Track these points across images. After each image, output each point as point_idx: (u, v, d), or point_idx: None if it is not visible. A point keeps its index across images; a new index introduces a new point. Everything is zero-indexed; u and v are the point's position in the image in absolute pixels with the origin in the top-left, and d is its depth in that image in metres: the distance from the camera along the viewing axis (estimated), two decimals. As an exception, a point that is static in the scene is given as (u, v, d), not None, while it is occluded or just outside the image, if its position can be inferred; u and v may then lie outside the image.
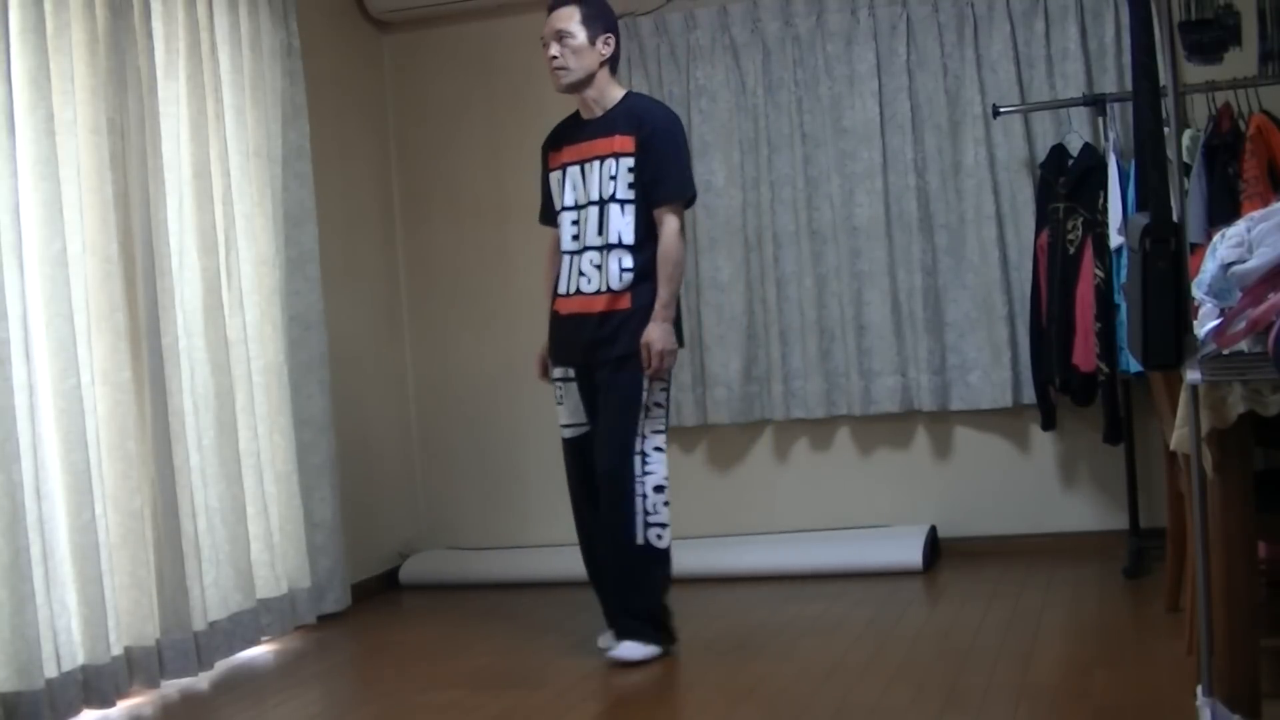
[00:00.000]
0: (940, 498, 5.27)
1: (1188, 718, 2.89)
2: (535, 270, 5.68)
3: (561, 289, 4.10)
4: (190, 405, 4.36)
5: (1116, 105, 4.78)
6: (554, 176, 4.16)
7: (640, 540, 3.97)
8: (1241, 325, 2.48)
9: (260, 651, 4.62)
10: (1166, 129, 2.70)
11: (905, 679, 3.64)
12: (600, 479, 4.02)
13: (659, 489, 3.99)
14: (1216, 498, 2.76)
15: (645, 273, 3.99)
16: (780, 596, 4.79)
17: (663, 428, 4.05)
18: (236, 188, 4.67)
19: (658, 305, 3.97)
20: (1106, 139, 4.72)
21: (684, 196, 4.07)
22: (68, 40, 3.96)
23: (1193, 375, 2.53)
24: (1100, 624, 4.11)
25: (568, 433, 4.16)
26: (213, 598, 4.37)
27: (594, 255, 4.01)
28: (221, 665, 4.39)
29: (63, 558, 3.83)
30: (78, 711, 3.83)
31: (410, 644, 4.60)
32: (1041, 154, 4.98)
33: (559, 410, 4.18)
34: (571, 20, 4.01)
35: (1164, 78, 2.76)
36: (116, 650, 3.97)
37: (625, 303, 3.98)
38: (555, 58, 4.02)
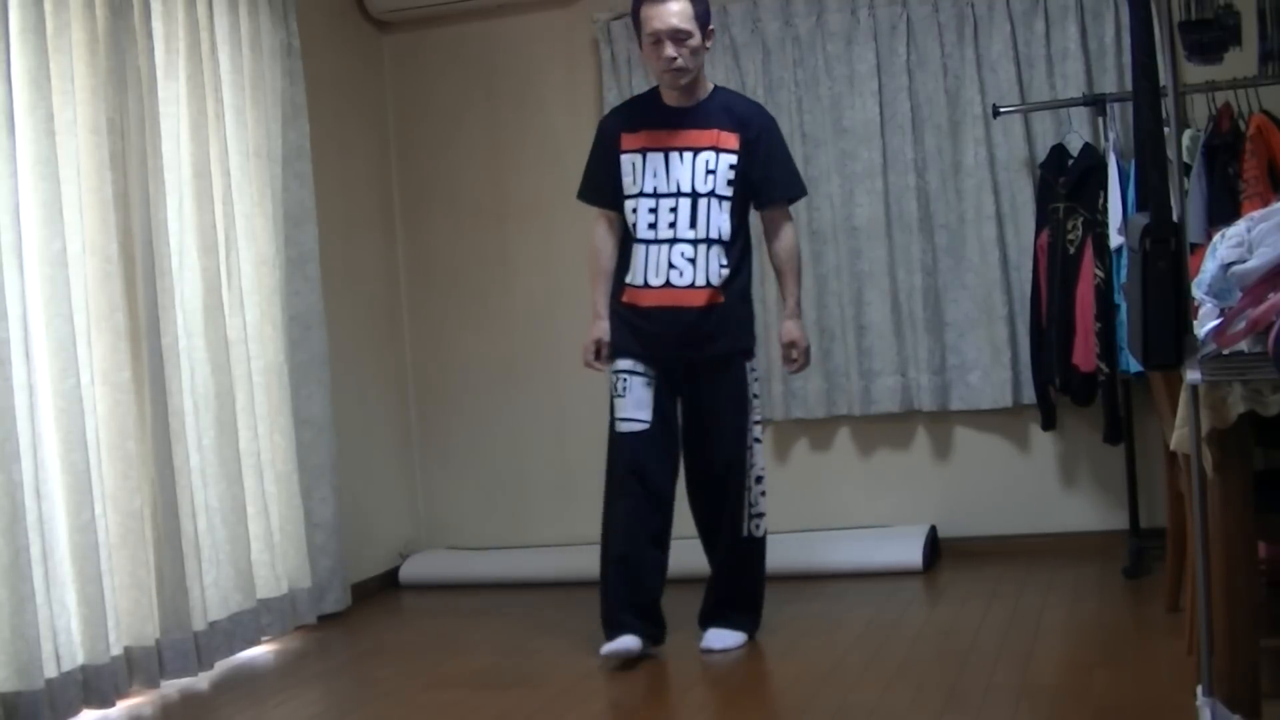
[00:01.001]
0: (940, 498, 5.28)
1: (1188, 718, 2.89)
2: (535, 270, 5.71)
3: (639, 279, 4.02)
4: (190, 405, 4.36)
5: (1116, 105, 4.78)
6: (628, 159, 4.05)
7: (745, 532, 4.06)
8: (1241, 325, 2.48)
9: (260, 651, 4.62)
10: (1166, 129, 2.70)
11: (905, 679, 3.64)
12: (716, 474, 4.05)
13: (759, 479, 4.08)
14: (1216, 498, 2.76)
15: (737, 269, 4.03)
16: (780, 596, 4.79)
17: (760, 419, 4.13)
18: (236, 188, 4.67)
19: (793, 303, 4.10)
20: (1106, 139, 4.72)
21: (798, 194, 4.18)
22: (68, 40, 3.96)
23: (1193, 375, 2.53)
24: (1100, 624, 4.11)
25: (626, 426, 4.03)
26: (213, 598, 4.37)
27: (686, 248, 3.98)
28: (221, 665, 4.39)
29: (63, 558, 3.83)
30: (78, 711, 3.83)
31: (410, 644, 4.60)
32: (1041, 154, 4.98)
33: (618, 403, 4.04)
34: (688, 18, 3.92)
35: (1164, 78, 2.75)
36: (116, 650, 3.97)
37: (722, 298, 4.00)
38: (674, 59, 3.93)
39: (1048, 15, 5.03)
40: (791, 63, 5.31)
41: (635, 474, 4.01)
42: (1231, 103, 4.59)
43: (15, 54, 3.77)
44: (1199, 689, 2.75)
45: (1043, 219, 4.88)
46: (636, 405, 4.04)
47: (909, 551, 5.00)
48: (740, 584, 4.14)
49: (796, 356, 4.11)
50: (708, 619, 4.15)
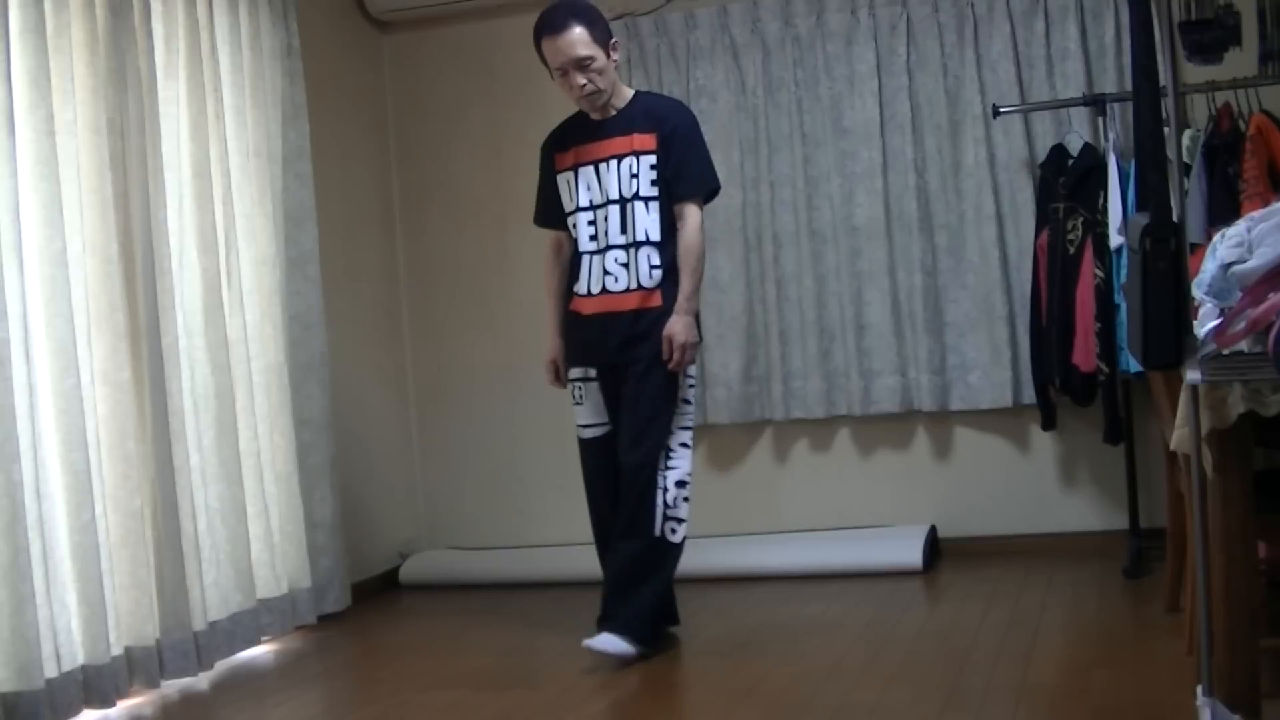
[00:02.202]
0: (940, 498, 5.28)
1: (1188, 718, 2.89)
2: (535, 270, 5.67)
3: (582, 289, 4.08)
4: (190, 405, 4.36)
5: (1116, 105, 4.78)
6: (563, 178, 4.13)
7: (657, 532, 3.98)
8: (1241, 325, 2.48)
9: (260, 651, 4.62)
10: (1166, 129, 2.70)
11: (905, 679, 3.64)
12: (626, 473, 4.00)
13: (681, 484, 4.01)
14: (1216, 498, 2.76)
15: (670, 269, 4.02)
16: (780, 596, 4.79)
17: (690, 424, 4.06)
18: (236, 188, 4.67)
19: (681, 298, 4.00)
20: (1106, 139, 4.72)
21: (706, 189, 4.10)
22: (68, 40, 3.96)
23: (1193, 375, 2.53)
24: (1100, 624, 4.11)
25: (588, 433, 4.14)
26: (213, 598, 4.37)
27: (619, 254, 4.02)
28: (221, 665, 4.39)
29: (63, 558, 3.83)
30: (78, 711, 3.83)
31: (410, 644, 4.60)
32: (1041, 154, 4.98)
33: (577, 410, 4.15)
34: (586, 44, 3.95)
35: (1164, 78, 2.76)
36: (116, 650, 3.97)
37: (656, 300, 4.00)
38: (585, 85, 3.97)
39: (1048, 15, 5.03)
40: (791, 63, 5.31)
41: (604, 480, 4.09)
42: (1231, 103, 4.59)
43: (15, 54, 3.77)
44: (1199, 689, 2.75)
45: (1043, 219, 4.89)
46: (594, 411, 4.12)
47: (909, 551, 5.00)
48: (635, 586, 3.99)
49: (671, 352, 3.96)
50: (608, 621, 4.01)
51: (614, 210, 4.03)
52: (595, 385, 4.11)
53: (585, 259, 4.08)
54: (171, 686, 4.18)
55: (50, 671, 3.71)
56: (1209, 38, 3.88)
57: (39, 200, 3.83)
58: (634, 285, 4.01)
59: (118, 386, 4.03)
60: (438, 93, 5.81)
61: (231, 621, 4.45)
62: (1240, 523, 2.75)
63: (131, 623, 4.05)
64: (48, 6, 3.88)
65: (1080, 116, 4.95)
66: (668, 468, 3.98)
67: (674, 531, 4.00)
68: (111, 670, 3.91)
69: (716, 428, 5.47)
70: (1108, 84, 4.94)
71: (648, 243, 4.00)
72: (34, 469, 3.73)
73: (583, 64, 3.96)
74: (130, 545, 4.04)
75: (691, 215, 4.03)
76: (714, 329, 5.37)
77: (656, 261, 4.00)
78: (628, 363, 4.03)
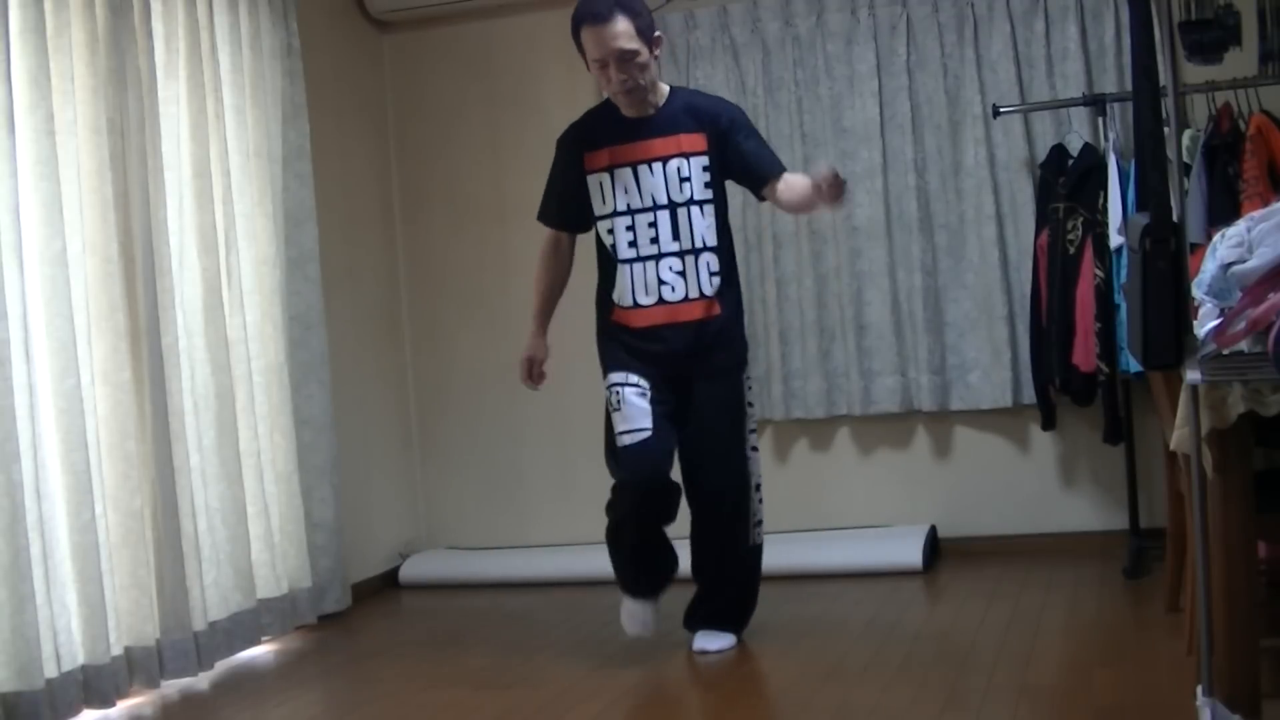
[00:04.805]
0: (940, 498, 5.28)
1: (1188, 718, 2.89)
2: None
3: (628, 300, 3.90)
4: (190, 405, 4.36)
5: (1116, 105, 4.78)
6: (595, 179, 3.91)
7: (751, 541, 4.03)
8: (1241, 325, 2.48)
9: (260, 651, 4.62)
10: (1166, 129, 2.71)
11: (905, 679, 3.64)
12: (715, 494, 3.99)
13: (758, 487, 4.04)
14: (1216, 498, 2.76)
15: (728, 276, 3.93)
16: (780, 596, 4.79)
17: (755, 427, 4.06)
18: (236, 188, 4.67)
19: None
20: (1106, 139, 4.72)
21: (784, 170, 3.95)
22: (68, 40, 3.96)
23: (1193, 375, 2.53)
24: (1100, 624, 4.11)
25: (629, 439, 3.86)
26: (213, 598, 4.37)
27: (673, 261, 3.87)
28: (221, 665, 4.39)
29: (63, 558, 3.83)
30: (78, 711, 3.83)
31: (410, 644, 4.60)
32: (1041, 154, 4.98)
33: (615, 417, 3.89)
34: (630, 38, 3.73)
35: (1164, 78, 2.76)
36: (116, 650, 3.97)
37: (718, 309, 3.90)
38: (625, 80, 3.77)
39: (1048, 15, 5.03)
40: (791, 63, 5.31)
41: (649, 481, 3.89)
42: (1231, 103, 4.59)
43: (15, 54, 3.77)
44: (1199, 689, 2.75)
45: (1043, 219, 4.89)
46: (632, 418, 3.88)
47: (909, 551, 5.00)
48: (742, 592, 4.12)
49: (832, 182, 3.67)
50: (701, 622, 4.11)
51: (663, 216, 3.86)
52: (635, 390, 3.87)
53: (627, 268, 3.89)
54: (171, 686, 4.18)
55: (50, 671, 3.71)
56: (1209, 38, 3.89)
57: (39, 200, 3.83)
58: (695, 294, 3.87)
59: (118, 386, 4.03)
60: (438, 93, 5.81)
61: (231, 621, 4.45)
62: (1240, 523, 2.75)
63: (131, 623, 4.05)
64: (48, 6, 3.88)
65: (1080, 116, 4.95)
66: (750, 474, 4.01)
67: (760, 535, 4.07)
68: (111, 670, 3.91)
69: (716, 428, 5.46)
70: (1108, 84, 4.94)
71: (705, 249, 3.87)
72: (34, 469, 3.73)
73: (624, 58, 3.74)
74: (130, 545, 4.04)
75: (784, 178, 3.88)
76: (714, 329, 5.37)
77: (716, 268, 3.89)
78: (688, 374, 3.92)
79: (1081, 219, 4.74)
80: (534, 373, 4.11)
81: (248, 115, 4.74)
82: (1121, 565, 4.64)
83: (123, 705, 4.00)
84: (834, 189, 3.66)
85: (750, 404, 4.04)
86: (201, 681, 4.25)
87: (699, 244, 3.87)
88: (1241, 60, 4.32)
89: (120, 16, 4.09)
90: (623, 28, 3.72)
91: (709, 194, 3.88)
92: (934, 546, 5.16)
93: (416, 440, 5.88)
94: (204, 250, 4.45)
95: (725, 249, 3.93)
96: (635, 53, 3.75)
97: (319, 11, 5.37)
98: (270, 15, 4.87)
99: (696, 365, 3.92)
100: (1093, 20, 5.00)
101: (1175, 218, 2.53)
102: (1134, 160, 4.44)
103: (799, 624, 4.39)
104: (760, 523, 4.06)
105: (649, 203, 3.87)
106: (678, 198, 3.86)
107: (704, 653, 4.03)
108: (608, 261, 3.97)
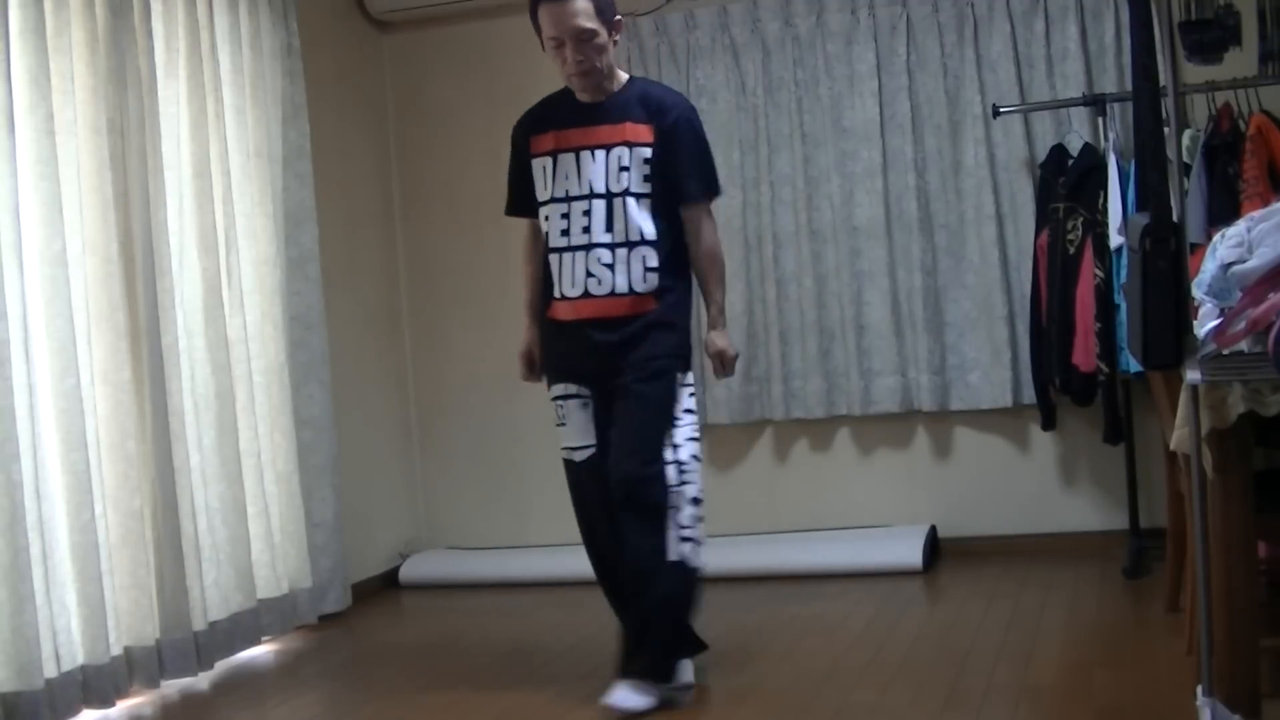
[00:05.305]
0: (940, 498, 5.27)
1: (1188, 718, 2.89)
2: (535, 270, 5.69)
3: (558, 292, 3.71)
4: (190, 405, 4.36)
5: (1116, 105, 4.78)
6: (538, 164, 3.74)
7: (674, 556, 3.58)
8: (1241, 325, 2.48)
9: (260, 651, 4.61)
10: (1166, 129, 2.70)
11: (905, 679, 3.64)
12: (617, 487, 3.59)
13: (696, 501, 3.64)
14: (1216, 498, 2.76)
15: (668, 271, 3.66)
16: (780, 596, 4.79)
17: (698, 435, 3.71)
18: (236, 188, 4.67)
19: (715, 310, 3.71)
20: (1106, 139, 4.72)
21: (716, 192, 3.77)
22: (68, 40, 3.96)
23: (1193, 375, 2.53)
24: (1100, 624, 4.11)
25: (577, 455, 3.73)
26: (213, 598, 4.37)
27: (603, 253, 3.63)
28: (221, 665, 4.39)
29: (63, 558, 3.83)
30: (77, 711, 3.83)
31: (410, 644, 4.60)
32: (1041, 154, 4.98)
33: (560, 432, 3.76)
34: (590, 17, 3.57)
35: (1164, 78, 2.76)
36: (116, 650, 3.97)
37: (651, 304, 3.64)
38: (581, 61, 3.60)
39: (1048, 15, 5.03)
40: (791, 63, 5.31)
41: (583, 506, 3.75)
42: (1231, 103, 4.59)
43: (15, 54, 3.77)
44: (1199, 689, 2.75)
45: (1043, 219, 4.89)
46: (576, 433, 3.72)
47: (909, 551, 5.00)
48: (659, 619, 3.62)
49: (723, 365, 3.73)
50: (623, 667, 3.67)
51: (599, 205, 3.64)
52: (578, 402, 3.73)
53: (556, 258, 3.70)
54: (171, 686, 4.18)
55: (50, 671, 3.71)
56: (1209, 38, 3.89)
57: (39, 200, 3.83)
58: (624, 289, 3.62)
59: (118, 386, 4.03)
60: (438, 93, 5.81)
61: (231, 621, 4.45)
62: (1240, 523, 2.75)
63: (131, 623, 4.05)
64: (48, 6, 3.88)
65: (1080, 116, 4.95)
66: (683, 483, 3.61)
67: (694, 553, 3.62)
68: (111, 670, 3.91)
69: (716, 427, 5.47)
70: (1108, 84, 4.94)
71: (643, 242, 3.63)
72: (34, 469, 3.73)
73: (582, 37, 3.57)
74: (130, 545, 4.04)
75: (706, 220, 3.71)
76: (714, 329, 5.37)
77: (654, 263, 3.64)
78: (617, 372, 3.64)
79: (1081, 219, 4.74)
80: (533, 366, 3.92)
81: (248, 115, 4.74)
82: (1121, 565, 4.64)
83: (123, 705, 4.00)
84: (721, 367, 3.75)
85: (689, 410, 3.68)
86: (201, 681, 4.25)
87: (635, 236, 3.63)
88: (1241, 60, 4.32)
89: (120, 16, 4.09)
90: (582, 6, 3.57)
91: (647, 187, 3.64)
92: (934, 546, 5.16)
93: (416, 440, 5.88)
94: (204, 250, 4.45)
95: (667, 243, 3.68)
96: (594, 33, 3.59)
97: (319, 11, 5.37)
98: (270, 15, 4.87)
99: (623, 359, 3.64)
100: (1093, 20, 5.00)
101: (1175, 218, 2.53)
102: (1134, 160, 4.44)
103: (799, 624, 4.39)
104: (692, 541, 3.62)
105: (587, 190, 3.66)
106: (615, 187, 3.64)
107: (609, 709, 3.56)
108: (545, 254, 3.79)
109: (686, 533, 3.61)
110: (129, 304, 4.08)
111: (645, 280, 3.64)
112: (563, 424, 3.75)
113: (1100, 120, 4.82)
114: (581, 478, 3.74)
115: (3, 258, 3.68)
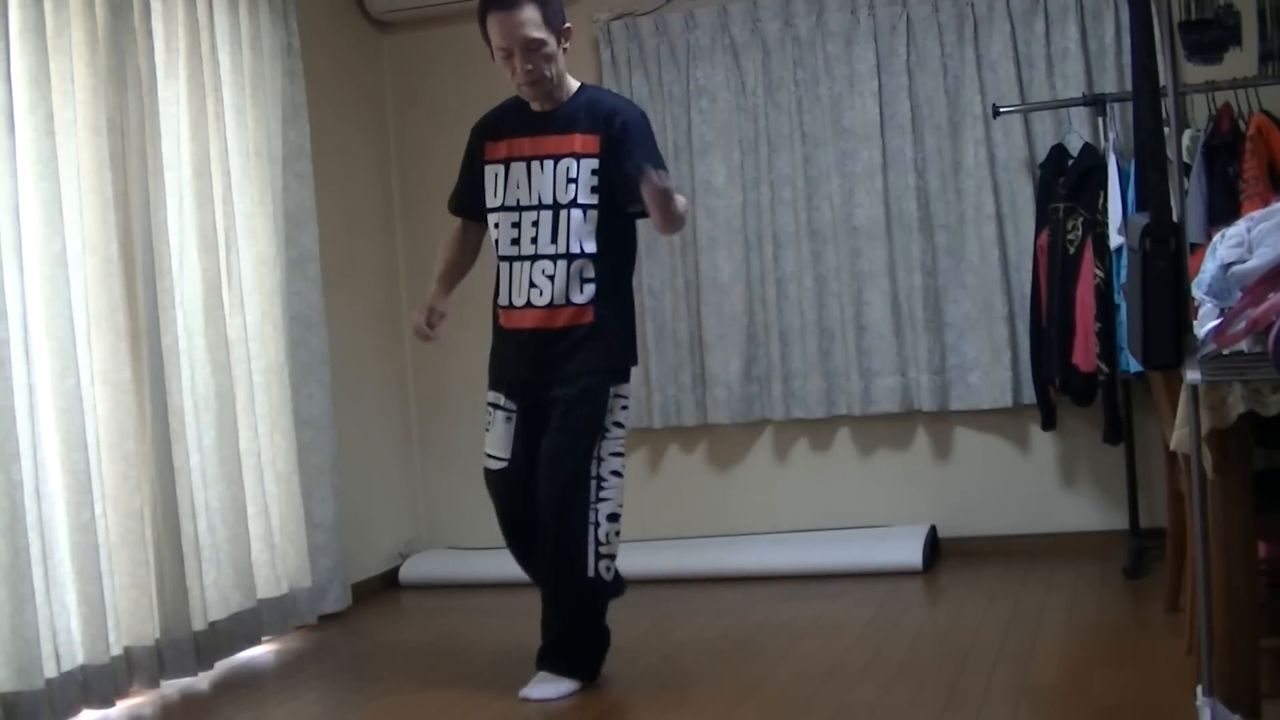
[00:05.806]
0: (940, 498, 5.27)
1: (1188, 718, 2.89)
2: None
3: (508, 299, 3.77)
4: (190, 405, 4.36)
5: (1116, 105, 4.78)
6: (491, 170, 3.78)
7: (591, 573, 3.65)
8: (1241, 325, 2.48)
9: (260, 651, 4.61)
10: (1166, 129, 2.70)
11: (905, 679, 3.64)
12: (544, 504, 3.67)
13: (613, 517, 3.68)
14: (1216, 498, 2.76)
15: (607, 285, 3.69)
16: (780, 596, 4.79)
17: (622, 449, 3.73)
18: (236, 188, 4.67)
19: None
20: (1106, 139, 4.72)
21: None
22: (68, 40, 3.96)
23: (1193, 375, 2.53)
24: (1100, 624, 4.11)
25: (493, 464, 3.84)
26: (213, 598, 4.36)
27: (546, 265, 3.67)
28: (221, 665, 4.39)
29: (62, 558, 3.83)
30: (77, 711, 3.83)
31: (410, 644, 4.60)
32: (1041, 154, 4.98)
33: (485, 437, 3.86)
34: (538, 26, 3.59)
35: (1164, 78, 2.76)
36: (116, 650, 3.97)
37: (588, 317, 3.67)
38: (530, 70, 3.62)
39: (1048, 15, 5.03)
40: (791, 63, 5.31)
41: (500, 513, 3.87)
42: (1231, 103, 4.59)
43: (15, 54, 3.77)
44: (1199, 689, 2.75)
45: (1043, 219, 4.89)
46: (495, 442, 3.82)
47: (909, 551, 5.00)
48: (576, 627, 3.75)
49: (654, 181, 3.48)
50: (540, 660, 3.79)
51: (545, 216, 3.67)
52: (503, 415, 3.81)
53: (506, 266, 3.75)
54: (171, 686, 4.18)
55: (50, 671, 3.71)
56: (1209, 38, 3.89)
57: (39, 200, 3.83)
58: (562, 300, 3.66)
59: (118, 386, 4.03)
60: (438, 93, 5.81)
61: (231, 621, 4.44)
62: (1240, 523, 2.75)
63: (131, 623, 4.05)
64: (48, 6, 3.88)
65: (1080, 116, 4.95)
66: (600, 499, 3.65)
67: (608, 570, 3.70)
68: (111, 670, 3.91)
69: (716, 428, 5.47)
70: (1108, 84, 4.94)
71: (582, 255, 3.65)
72: (34, 469, 3.73)
73: (530, 46, 3.59)
74: (130, 545, 4.04)
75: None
76: (714, 329, 5.37)
77: (591, 275, 3.66)
78: (551, 384, 3.70)
79: (1081, 219, 4.74)
80: (431, 321, 3.92)
81: (248, 115, 4.74)
82: (1121, 565, 4.64)
83: (122, 705, 4.00)
84: (656, 195, 3.50)
85: (618, 424, 3.71)
86: (201, 681, 4.25)
87: (574, 249, 3.66)
88: (1241, 60, 4.32)
89: (120, 16, 4.09)
90: (530, 15, 3.59)
91: (594, 199, 3.66)
92: (934, 546, 5.16)
93: (416, 440, 5.88)
94: (204, 250, 4.45)
95: (609, 257, 3.70)
96: (542, 42, 3.61)
97: (319, 11, 5.37)
98: (270, 15, 4.87)
99: (555, 371, 3.70)
100: (1093, 20, 5.00)
101: (1175, 218, 2.53)
102: (1134, 160, 4.44)
103: (799, 624, 4.39)
104: (608, 557, 3.68)
105: (535, 200, 3.70)
106: (561, 199, 3.67)
107: (525, 700, 3.70)
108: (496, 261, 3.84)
109: (604, 549, 3.68)
110: (129, 304, 4.08)
111: (583, 292, 3.69)
112: (487, 430, 3.88)
113: (1100, 120, 4.82)
114: (498, 486, 3.87)
115: (3, 258, 3.68)
